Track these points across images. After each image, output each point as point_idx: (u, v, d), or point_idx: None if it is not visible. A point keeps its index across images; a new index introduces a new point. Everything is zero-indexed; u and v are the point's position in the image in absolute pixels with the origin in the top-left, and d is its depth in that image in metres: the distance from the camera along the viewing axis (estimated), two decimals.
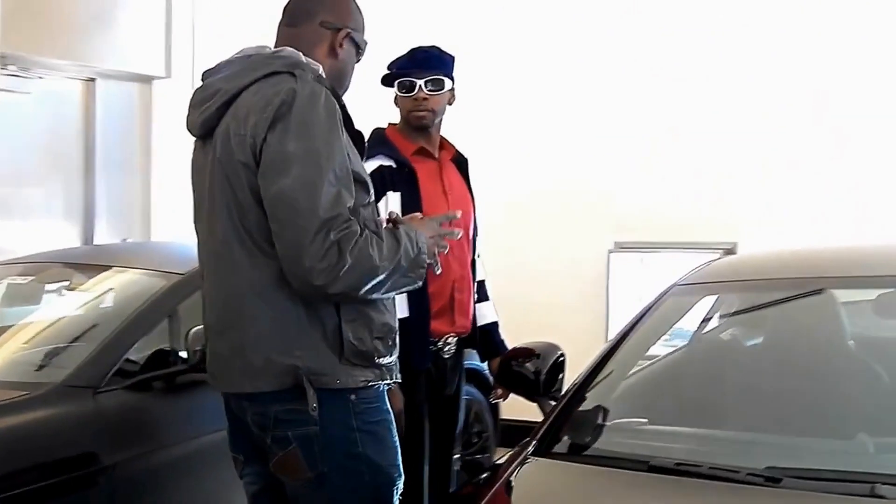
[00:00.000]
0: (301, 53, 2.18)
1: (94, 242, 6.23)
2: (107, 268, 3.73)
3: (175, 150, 6.58)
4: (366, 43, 2.39)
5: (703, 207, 5.37)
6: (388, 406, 2.23)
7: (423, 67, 3.01)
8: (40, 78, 5.93)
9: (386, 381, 2.20)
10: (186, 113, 2.29)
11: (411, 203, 2.92)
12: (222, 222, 2.15)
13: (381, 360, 2.17)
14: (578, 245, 5.57)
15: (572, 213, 5.63)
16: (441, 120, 3.10)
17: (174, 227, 6.57)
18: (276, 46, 2.27)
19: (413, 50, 3.08)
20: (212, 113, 2.18)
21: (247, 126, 2.09)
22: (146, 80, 6.48)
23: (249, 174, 2.10)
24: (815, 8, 5.18)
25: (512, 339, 3.32)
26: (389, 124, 3.14)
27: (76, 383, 2.99)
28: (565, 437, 2.29)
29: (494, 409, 4.44)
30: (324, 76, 2.17)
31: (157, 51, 6.46)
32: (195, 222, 2.33)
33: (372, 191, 2.20)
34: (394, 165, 2.99)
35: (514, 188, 5.69)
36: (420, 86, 3.00)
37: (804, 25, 5.19)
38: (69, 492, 2.79)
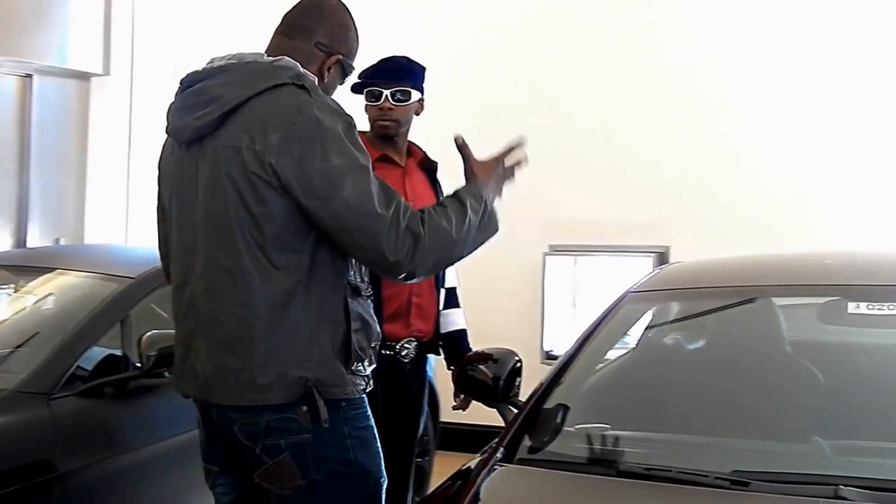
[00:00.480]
0: (298, 64, 2.17)
1: (28, 243, 6.06)
2: (49, 270, 3.62)
3: (111, 149, 6.44)
4: (353, 69, 2.38)
5: (637, 211, 5.46)
6: (370, 412, 2.23)
7: (390, 78, 3.01)
8: None
9: (369, 389, 2.23)
10: (170, 115, 2.22)
11: None
12: (230, 236, 2.10)
13: (369, 368, 2.21)
14: (514, 247, 5.56)
15: (508, 215, 5.61)
16: (407, 129, 3.10)
17: (108, 229, 6.44)
18: (269, 53, 2.24)
19: (382, 60, 3.08)
20: (211, 120, 2.12)
21: (266, 142, 2.06)
22: (84, 77, 6.31)
23: (268, 188, 2.06)
24: (731, 18, 5.32)
25: None
26: (359, 132, 3.12)
27: (29, 389, 2.90)
28: (533, 444, 2.30)
29: (434, 412, 4.43)
30: (317, 86, 2.17)
31: (95, 48, 6.30)
32: (166, 227, 2.28)
33: None
34: None
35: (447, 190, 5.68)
36: (386, 95, 3.00)
37: (733, 36, 5.33)
38: (23, 501, 2.70)
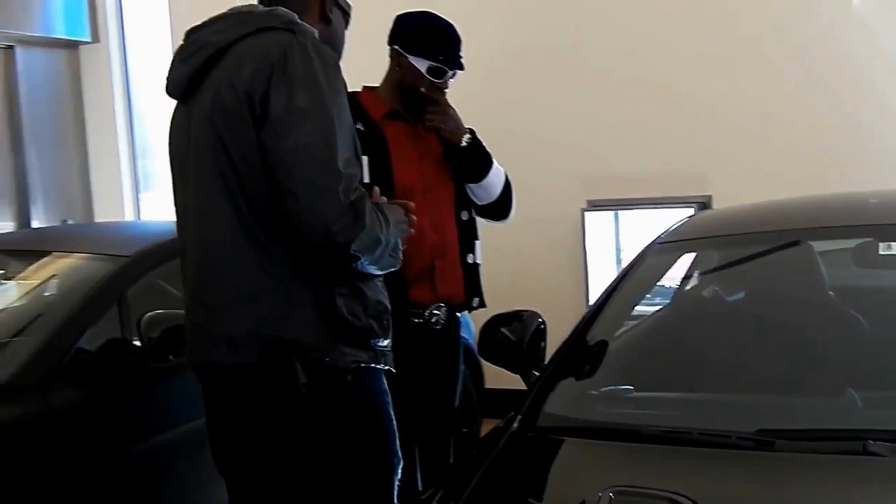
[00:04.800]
0: (295, 14, 2.24)
1: (32, 225, 6.17)
2: (45, 253, 3.70)
3: (110, 120, 6.54)
4: (350, 7, 2.46)
5: (677, 161, 5.48)
6: (386, 387, 2.29)
7: (457, 62, 3.12)
8: None
9: (380, 366, 2.26)
10: (169, 71, 2.30)
11: (380, 167, 2.99)
12: (210, 184, 2.17)
13: (375, 341, 2.22)
14: (550, 205, 5.62)
15: (541, 172, 5.68)
16: None
17: (117, 205, 6.56)
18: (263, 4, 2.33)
19: (455, 41, 3.15)
20: (198, 67, 2.21)
21: (241, 76, 2.12)
22: (72, 45, 6.40)
23: (245, 127, 2.11)
24: None
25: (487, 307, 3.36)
26: (364, 87, 3.18)
27: (22, 382, 2.98)
28: (551, 411, 2.35)
29: (476, 377, 4.52)
30: (318, 38, 2.22)
31: (81, 14, 6.37)
32: (175, 190, 2.33)
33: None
34: (362, 128, 3.05)
35: None
36: (448, 77, 3.11)
37: None
38: (24, 497, 2.80)
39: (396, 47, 3.11)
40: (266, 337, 2.13)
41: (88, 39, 6.42)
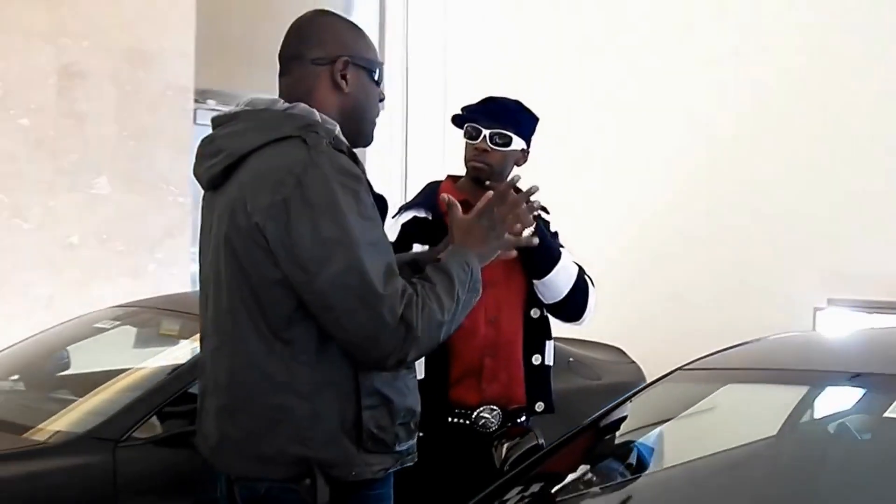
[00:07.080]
0: (316, 111, 2.18)
1: None
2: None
3: (387, 181, 6.91)
4: (380, 63, 2.32)
5: None
6: (391, 484, 2.26)
7: (492, 118, 2.99)
8: None
9: (406, 465, 2.24)
10: (194, 161, 2.33)
11: None
12: (231, 299, 2.17)
13: (400, 446, 2.20)
14: (778, 302, 5.23)
15: (771, 265, 5.30)
16: (503, 179, 2.97)
17: None
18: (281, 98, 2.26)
19: (489, 98, 3.08)
20: (217, 174, 2.21)
21: (255, 203, 2.10)
22: None
23: (260, 253, 2.11)
24: None
25: None
26: (448, 177, 3.15)
27: (99, 435, 3.21)
28: None
29: None
30: (341, 136, 2.16)
31: None
32: (201, 282, 2.35)
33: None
34: (429, 218, 3.01)
35: (688, 234, 5.43)
36: (485, 136, 2.97)
37: None
38: None
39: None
40: (292, 456, 2.14)
41: None
